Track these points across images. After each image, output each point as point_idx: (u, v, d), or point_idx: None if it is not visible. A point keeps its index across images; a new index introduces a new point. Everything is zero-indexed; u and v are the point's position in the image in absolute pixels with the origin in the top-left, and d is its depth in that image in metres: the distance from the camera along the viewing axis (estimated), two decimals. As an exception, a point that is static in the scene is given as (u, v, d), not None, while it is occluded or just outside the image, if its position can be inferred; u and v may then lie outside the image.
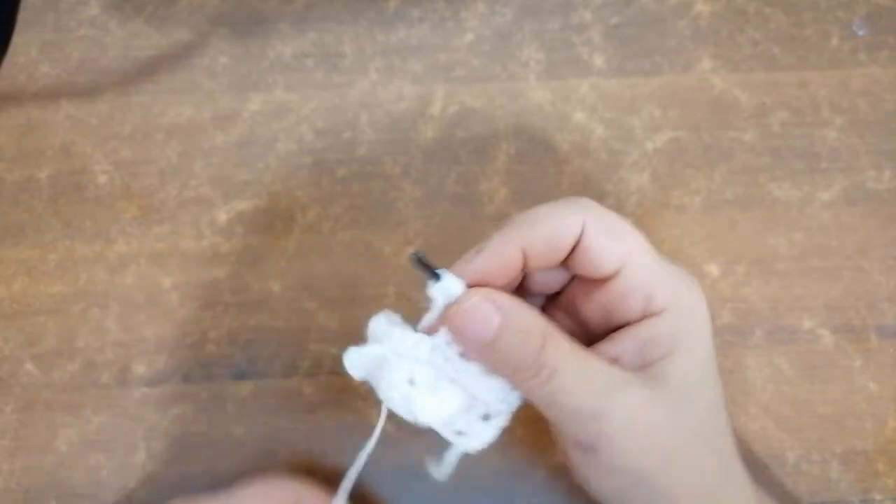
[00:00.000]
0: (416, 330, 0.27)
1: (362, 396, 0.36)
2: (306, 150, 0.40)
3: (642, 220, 0.39)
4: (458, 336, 0.26)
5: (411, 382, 0.26)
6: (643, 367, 0.26)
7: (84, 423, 0.36)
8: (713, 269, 0.38)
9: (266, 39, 0.42)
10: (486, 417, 0.27)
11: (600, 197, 0.39)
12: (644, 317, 0.27)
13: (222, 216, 0.39)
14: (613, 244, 0.26)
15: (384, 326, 0.27)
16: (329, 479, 0.35)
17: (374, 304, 0.38)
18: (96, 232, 0.39)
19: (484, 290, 0.26)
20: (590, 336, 0.28)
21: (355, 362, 0.27)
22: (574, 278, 0.29)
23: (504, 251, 0.26)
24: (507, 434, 0.28)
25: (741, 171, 0.40)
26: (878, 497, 0.35)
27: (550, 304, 0.30)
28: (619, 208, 0.39)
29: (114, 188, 0.40)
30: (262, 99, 0.41)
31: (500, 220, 0.39)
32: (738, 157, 0.40)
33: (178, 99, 0.41)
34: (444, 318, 0.26)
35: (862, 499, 0.35)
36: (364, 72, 0.41)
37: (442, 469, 0.27)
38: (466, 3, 0.43)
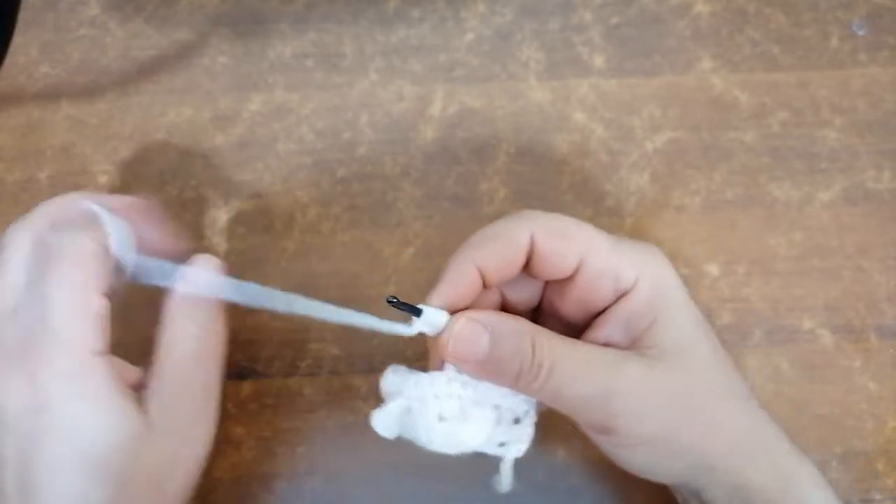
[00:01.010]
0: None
1: (362, 396, 0.36)
2: (306, 150, 0.40)
3: (642, 220, 0.39)
4: (457, 361, 0.27)
5: (442, 419, 0.27)
6: (633, 342, 0.28)
7: (84, 422, 0.36)
8: (713, 269, 0.38)
9: (266, 39, 0.42)
10: (517, 421, 0.28)
11: (600, 197, 0.39)
12: (617, 297, 0.28)
13: (222, 216, 0.39)
14: (565, 245, 0.28)
15: (396, 379, 0.28)
16: (329, 478, 0.35)
17: (374, 305, 0.38)
18: (96, 232, 0.39)
19: (466, 312, 0.27)
20: (577, 333, 0.29)
21: (383, 422, 0.28)
22: (547, 285, 0.30)
23: (462, 273, 0.27)
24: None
25: (741, 172, 0.40)
26: (878, 497, 0.35)
27: (534, 316, 0.32)
28: (618, 208, 0.39)
29: (114, 188, 0.39)
30: (262, 99, 0.41)
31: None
32: (738, 157, 0.40)
33: (178, 99, 0.41)
34: (440, 349, 0.27)
35: (862, 499, 0.35)
36: (364, 72, 0.41)
37: (503, 481, 0.28)
38: (466, 3, 0.43)
